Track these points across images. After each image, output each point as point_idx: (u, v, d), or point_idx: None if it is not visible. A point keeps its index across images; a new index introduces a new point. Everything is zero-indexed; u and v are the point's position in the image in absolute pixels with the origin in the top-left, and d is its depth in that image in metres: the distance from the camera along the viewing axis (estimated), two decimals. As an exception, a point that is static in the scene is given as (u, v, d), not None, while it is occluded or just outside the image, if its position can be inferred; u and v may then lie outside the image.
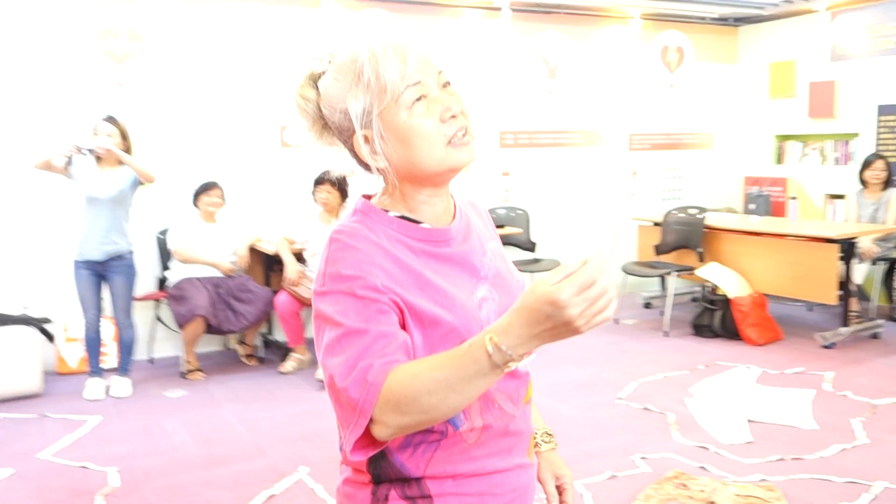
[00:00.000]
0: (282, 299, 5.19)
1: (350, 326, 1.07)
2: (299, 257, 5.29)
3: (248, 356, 5.49)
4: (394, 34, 1.20)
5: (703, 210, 6.40)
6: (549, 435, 1.46)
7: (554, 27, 6.89)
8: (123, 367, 4.84)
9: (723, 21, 7.69)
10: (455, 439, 1.17)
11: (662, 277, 6.70)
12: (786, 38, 7.44)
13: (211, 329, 5.12)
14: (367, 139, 1.18)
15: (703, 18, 7.53)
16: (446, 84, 1.20)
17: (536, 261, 6.61)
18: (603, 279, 0.93)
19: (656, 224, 6.68)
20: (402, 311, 1.12)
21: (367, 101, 1.15)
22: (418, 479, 1.17)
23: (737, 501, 3.25)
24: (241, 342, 5.55)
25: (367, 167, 1.23)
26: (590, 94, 7.17)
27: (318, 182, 5.21)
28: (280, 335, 5.71)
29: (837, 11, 6.96)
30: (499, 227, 6.37)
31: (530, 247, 6.66)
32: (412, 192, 1.21)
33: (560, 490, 1.44)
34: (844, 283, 5.51)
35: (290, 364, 5.23)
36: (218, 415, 4.44)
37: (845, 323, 5.58)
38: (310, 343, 5.41)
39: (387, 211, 1.21)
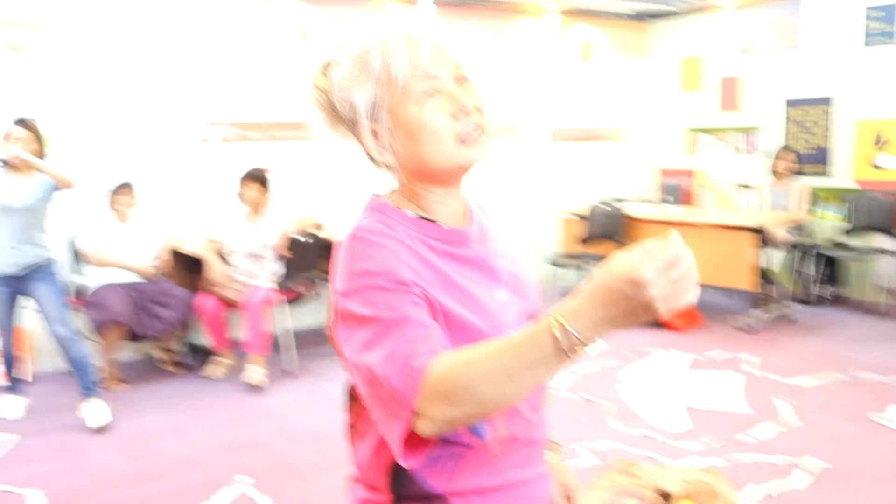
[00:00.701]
0: (206, 302, 4.98)
1: (388, 318, 1.00)
2: (224, 258, 5.09)
3: (171, 362, 5.24)
4: (409, 24, 1.13)
5: (625, 201, 6.52)
6: (554, 443, 1.42)
7: (474, 21, 6.88)
8: (90, 388, 4.20)
9: (635, 16, 7.86)
10: (480, 451, 1.12)
11: (588, 269, 6.80)
12: (695, 33, 7.66)
13: (131, 336, 4.87)
14: (374, 133, 1.12)
15: (616, 14, 7.67)
16: (463, 79, 1.14)
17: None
18: (688, 258, 0.86)
19: (580, 216, 6.77)
20: (433, 309, 1.06)
21: (376, 94, 1.09)
22: (442, 496, 1.11)
23: (684, 486, 3.31)
24: (163, 348, 5.30)
25: (375, 162, 1.17)
26: (509, 87, 7.19)
27: (245, 179, 5.02)
28: (204, 339, 5.48)
29: (744, 8, 7.21)
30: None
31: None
32: (423, 191, 1.15)
33: (569, 500, 1.40)
34: (761, 270, 5.72)
35: (216, 369, 5.03)
36: (144, 426, 4.21)
37: (763, 308, 5.80)
38: (236, 346, 5.22)
39: (404, 212, 1.15)
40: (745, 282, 5.69)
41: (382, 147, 1.11)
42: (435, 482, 1.10)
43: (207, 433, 4.08)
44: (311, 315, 6.09)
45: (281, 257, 5.04)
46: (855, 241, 6.42)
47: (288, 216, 5.13)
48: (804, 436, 3.83)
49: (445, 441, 1.07)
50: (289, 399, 4.60)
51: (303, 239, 5.07)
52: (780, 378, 4.67)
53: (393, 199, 1.17)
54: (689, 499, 3.21)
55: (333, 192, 6.29)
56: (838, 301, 6.51)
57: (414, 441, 0.99)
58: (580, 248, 6.59)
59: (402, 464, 1.00)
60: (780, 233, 6.10)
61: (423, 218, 1.15)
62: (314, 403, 4.51)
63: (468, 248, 1.17)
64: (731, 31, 7.35)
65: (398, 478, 1.11)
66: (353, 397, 1.25)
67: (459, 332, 1.07)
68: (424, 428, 0.96)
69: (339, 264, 1.08)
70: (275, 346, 5.43)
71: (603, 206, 6.58)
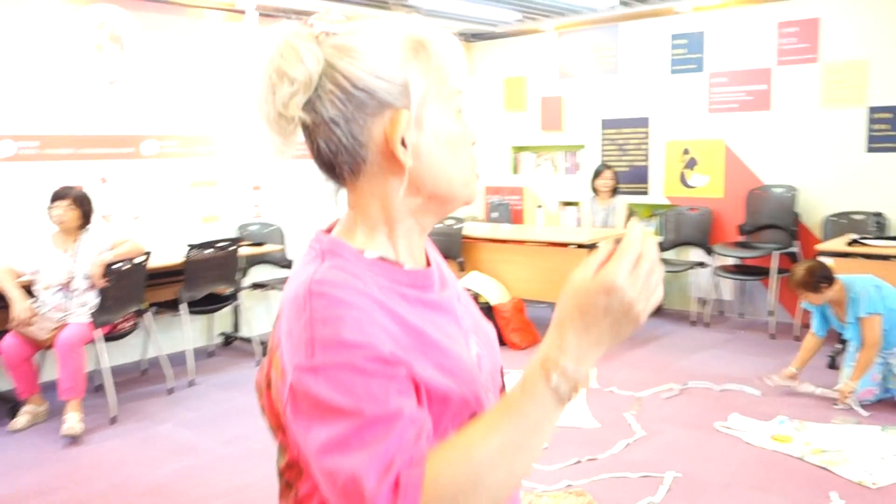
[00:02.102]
0: (9, 342, 4.34)
1: (371, 413, 0.81)
2: (29, 291, 4.47)
3: (-37, 414, 4.53)
4: (441, 29, 0.98)
5: (460, 220, 6.53)
6: None
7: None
8: None
9: (460, 37, 7.94)
10: None
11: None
12: (518, 55, 7.87)
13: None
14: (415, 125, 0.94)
15: (440, 33, 7.70)
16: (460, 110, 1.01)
17: (295, 278, 6.29)
18: (650, 248, 0.82)
19: (413, 235, 6.69)
20: (416, 386, 0.88)
21: (425, 86, 0.93)
22: None
23: (555, 512, 3.28)
24: (-48, 398, 4.58)
25: (332, 171, 0.97)
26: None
27: (57, 197, 4.45)
28: (4, 385, 4.79)
29: (563, 32, 7.51)
30: (256, 244, 5.97)
31: (287, 264, 6.32)
32: (403, 216, 0.97)
33: None
34: (593, 285, 5.91)
35: (22, 419, 4.40)
36: (-63, 494, 3.58)
37: (595, 321, 5.99)
38: (46, 390, 4.61)
39: (361, 251, 0.96)
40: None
41: (406, 145, 0.93)
42: None
43: (21, 497, 3.53)
44: (132, 350, 5.53)
45: (97, 288, 4.50)
46: (671, 255, 6.84)
47: (106, 241, 4.61)
48: (651, 446, 3.94)
49: None
50: (114, 449, 4.10)
51: (123, 266, 4.57)
52: (619, 390, 4.82)
53: (345, 235, 0.98)
54: (563, 525, 3.18)
55: (158, 213, 5.78)
56: (659, 312, 6.89)
57: None
58: (416, 268, 6.50)
59: None
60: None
61: (383, 258, 0.97)
62: (143, 451, 4.05)
63: (433, 292, 1.00)
64: (552, 54, 7.61)
65: None
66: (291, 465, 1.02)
67: (441, 404, 0.90)
68: None
69: (293, 328, 0.87)
70: (92, 388, 4.87)
71: (436, 225, 6.53)
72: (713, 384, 4.85)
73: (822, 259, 4.84)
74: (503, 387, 1.08)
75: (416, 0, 6.29)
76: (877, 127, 5.92)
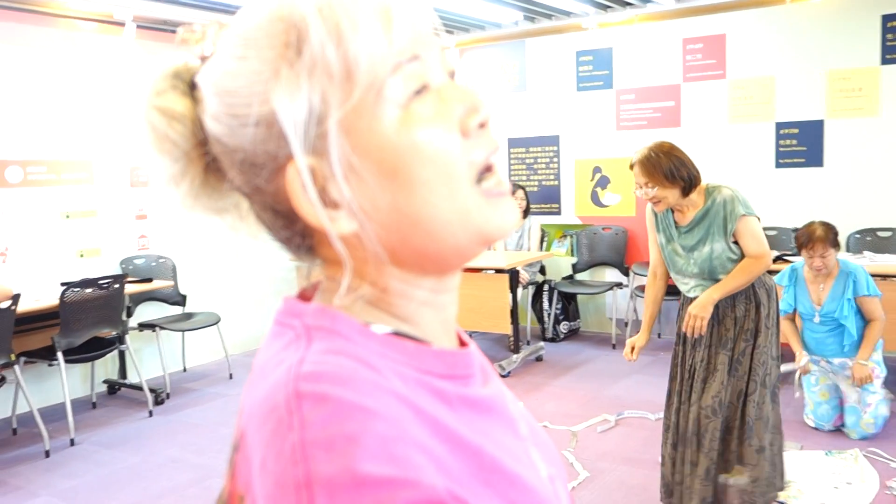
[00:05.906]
0: None
1: None
2: None
3: None
4: None
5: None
6: None
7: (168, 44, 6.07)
8: None
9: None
10: None
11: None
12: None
13: None
14: (315, 174, 0.56)
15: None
16: (452, 73, 0.63)
17: (189, 316, 5.71)
18: None
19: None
20: None
21: (318, 97, 0.54)
22: None
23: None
24: None
25: (300, 247, 0.62)
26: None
27: None
28: None
29: (466, 49, 7.26)
30: (144, 280, 5.36)
31: (180, 300, 5.73)
32: (402, 286, 0.61)
33: None
34: (513, 311, 5.64)
35: None
36: None
37: (516, 350, 5.71)
38: None
39: (366, 324, 0.59)
40: (503, 325, 5.59)
41: (331, 203, 0.56)
42: None
43: None
44: (-4, 408, 4.82)
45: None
46: (585, 277, 6.66)
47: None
48: (599, 487, 3.66)
49: None
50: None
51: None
52: (552, 426, 4.52)
53: (332, 299, 0.60)
54: None
55: (26, 249, 5.09)
56: (575, 335, 6.69)
57: None
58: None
59: None
60: (522, 272, 6.11)
61: (399, 334, 0.59)
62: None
63: (475, 385, 0.63)
64: (457, 70, 7.33)
65: None
66: None
67: None
68: None
69: (273, 458, 0.49)
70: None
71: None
72: (648, 413, 4.62)
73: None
74: None
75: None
76: (784, 142, 5.94)
